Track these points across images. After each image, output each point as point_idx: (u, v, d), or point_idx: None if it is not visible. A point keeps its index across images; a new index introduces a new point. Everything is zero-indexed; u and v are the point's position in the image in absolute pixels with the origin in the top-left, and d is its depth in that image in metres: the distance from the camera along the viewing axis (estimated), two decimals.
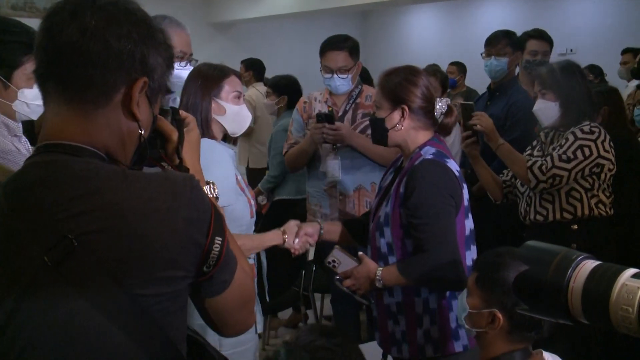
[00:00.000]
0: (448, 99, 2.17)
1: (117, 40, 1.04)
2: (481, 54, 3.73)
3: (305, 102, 3.32)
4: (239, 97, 2.24)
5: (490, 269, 1.67)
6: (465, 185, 2.10)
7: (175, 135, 1.24)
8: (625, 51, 6.19)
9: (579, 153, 2.64)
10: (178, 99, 2.60)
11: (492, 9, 9.70)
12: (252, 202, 2.28)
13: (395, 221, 2.07)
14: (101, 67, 1.03)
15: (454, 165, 2.07)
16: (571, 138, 2.67)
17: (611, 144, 2.70)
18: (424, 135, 2.12)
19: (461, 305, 1.73)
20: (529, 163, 2.68)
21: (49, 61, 1.05)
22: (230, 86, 2.22)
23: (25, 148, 1.89)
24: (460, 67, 6.77)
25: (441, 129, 2.17)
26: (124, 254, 0.99)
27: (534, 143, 2.94)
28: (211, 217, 1.06)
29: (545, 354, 1.67)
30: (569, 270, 0.89)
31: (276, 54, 9.47)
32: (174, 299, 1.04)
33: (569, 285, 0.89)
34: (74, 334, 1.00)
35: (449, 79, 4.68)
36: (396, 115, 2.10)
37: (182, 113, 1.36)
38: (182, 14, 11.75)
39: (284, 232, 2.24)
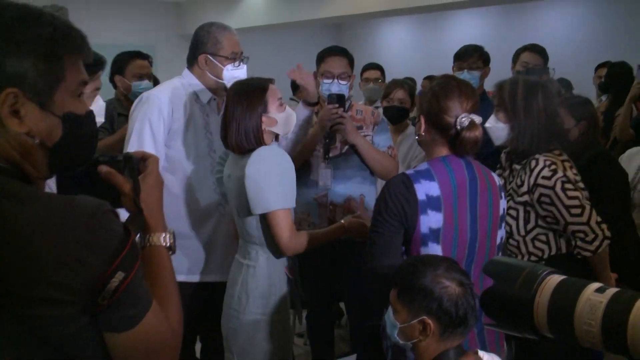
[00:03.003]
0: (475, 115, 2.03)
1: None
2: (453, 68, 3.78)
3: None
4: (282, 104, 2.40)
5: (407, 280, 1.73)
6: (435, 213, 1.97)
7: (127, 187, 1.25)
8: (601, 66, 6.18)
9: (579, 198, 2.48)
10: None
11: (464, 22, 9.85)
12: None
13: None
14: None
15: (429, 188, 1.97)
16: (560, 191, 2.46)
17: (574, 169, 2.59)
18: (438, 151, 2.07)
19: (389, 322, 1.77)
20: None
21: None
22: (272, 97, 2.36)
23: None
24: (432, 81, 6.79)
25: (461, 145, 2.02)
26: (6, 270, 0.97)
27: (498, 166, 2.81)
28: (119, 249, 1.02)
29: (481, 352, 1.74)
30: (535, 285, 0.91)
31: (248, 67, 9.48)
32: (66, 323, 1.01)
33: (535, 300, 0.90)
34: None
35: (417, 90, 4.69)
36: (419, 124, 2.11)
37: (144, 154, 1.34)
38: (153, 26, 11.73)
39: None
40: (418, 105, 2.12)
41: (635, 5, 7.97)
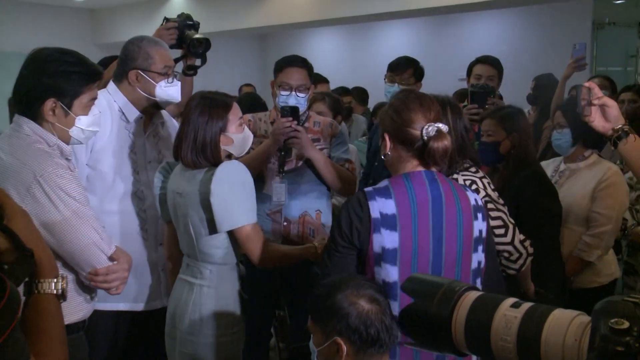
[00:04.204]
0: (442, 124, 2.00)
1: None
2: (384, 78, 3.84)
3: (249, 120, 3.25)
4: (241, 124, 2.44)
5: (318, 303, 1.76)
6: (390, 232, 1.94)
7: (3, 244, 1.11)
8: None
9: (502, 217, 2.55)
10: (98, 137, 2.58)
11: (393, 33, 10.06)
12: None
13: None
14: None
15: (383, 206, 1.95)
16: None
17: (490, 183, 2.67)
18: (403, 168, 2.04)
19: (311, 348, 1.80)
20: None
21: None
22: (234, 116, 2.39)
23: (73, 169, 2.15)
24: (355, 94, 6.86)
25: (429, 156, 1.99)
26: None
27: None
28: None
29: None
30: (453, 302, 0.93)
31: None
32: None
33: (453, 317, 0.93)
34: None
35: (340, 102, 4.72)
36: (384, 143, 2.08)
37: None
38: (66, 34, 11.46)
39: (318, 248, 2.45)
40: (380, 123, 2.11)
41: (562, 17, 8.36)
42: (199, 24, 3.30)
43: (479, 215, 2.08)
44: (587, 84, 2.03)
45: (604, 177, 3.18)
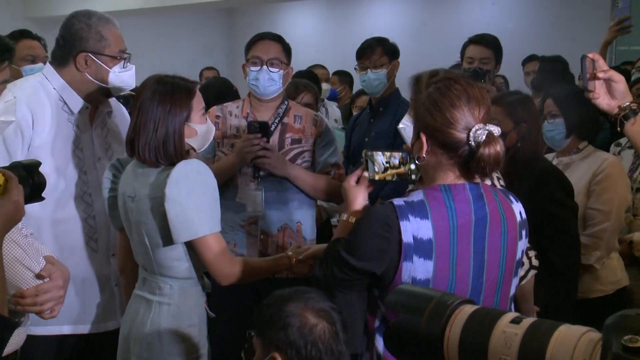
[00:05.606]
0: (492, 126, 1.89)
1: None
2: (355, 68, 3.91)
3: (218, 117, 3.23)
4: (204, 114, 2.46)
5: (261, 313, 1.78)
6: (423, 261, 1.85)
7: None
8: (530, 59, 6.33)
9: None
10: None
11: (381, 7, 10.08)
12: None
13: None
14: None
15: (418, 229, 1.85)
16: None
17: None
18: (442, 177, 1.92)
19: None
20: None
21: None
22: (198, 104, 2.40)
23: None
24: (343, 77, 6.91)
25: (478, 166, 1.87)
26: None
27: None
28: None
29: None
30: (445, 317, 0.95)
31: None
32: None
33: (445, 334, 0.94)
34: None
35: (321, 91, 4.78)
36: (418, 144, 1.94)
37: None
38: None
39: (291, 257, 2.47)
40: (414, 118, 2.00)
41: None
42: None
43: (523, 233, 2.03)
44: (591, 55, 2.00)
45: (599, 169, 3.21)
